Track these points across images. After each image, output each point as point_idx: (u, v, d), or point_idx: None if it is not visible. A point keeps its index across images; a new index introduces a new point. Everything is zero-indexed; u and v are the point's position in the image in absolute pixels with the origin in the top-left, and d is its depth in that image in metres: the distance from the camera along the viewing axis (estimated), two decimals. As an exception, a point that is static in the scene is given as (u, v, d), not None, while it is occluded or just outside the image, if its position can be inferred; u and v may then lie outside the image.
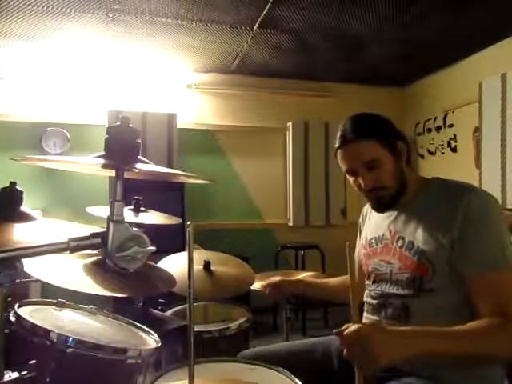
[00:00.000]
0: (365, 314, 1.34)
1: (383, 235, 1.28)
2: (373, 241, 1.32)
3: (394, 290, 1.20)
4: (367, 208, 1.47)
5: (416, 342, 0.95)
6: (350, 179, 1.27)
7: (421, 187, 1.23)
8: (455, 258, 1.08)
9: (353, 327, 0.93)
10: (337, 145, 1.24)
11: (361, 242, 1.44)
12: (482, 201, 1.10)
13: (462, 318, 1.04)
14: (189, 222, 0.79)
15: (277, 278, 1.64)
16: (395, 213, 1.26)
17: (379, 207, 1.26)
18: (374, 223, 1.37)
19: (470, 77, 3.80)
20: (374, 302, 1.28)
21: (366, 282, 1.34)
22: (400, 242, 1.20)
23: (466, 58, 3.90)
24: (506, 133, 3.38)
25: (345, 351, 0.93)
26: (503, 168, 3.39)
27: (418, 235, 1.15)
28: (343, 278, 1.56)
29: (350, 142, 1.19)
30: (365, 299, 1.35)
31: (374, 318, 1.27)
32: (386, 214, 1.30)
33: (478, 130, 3.68)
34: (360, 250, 1.43)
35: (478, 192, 1.14)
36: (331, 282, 1.63)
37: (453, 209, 1.09)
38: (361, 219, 1.50)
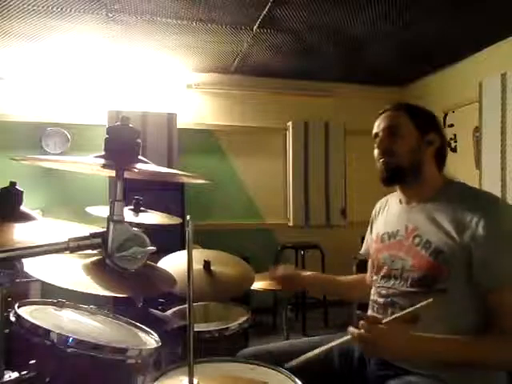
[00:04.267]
0: (369, 313, 1.33)
1: (398, 231, 1.28)
2: (385, 236, 1.32)
3: (403, 288, 1.20)
4: (380, 204, 1.48)
5: (424, 349, 1.03)
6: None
7: (443, 187, 1.23)
8: (475, 267, 1.08)
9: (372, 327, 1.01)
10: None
11: (372, 236, 1.44)
12: (508, 216, 1.12)
13: (469, 325, 1.07)
14: (188, 217, 0.78)
15: (289, 270, 1.60)
16: (413, 210, 1.26)
17: (385, 176, 1.26)
18: (387, 219, 1.37)
19: (470, 77, 3.80)
20: (382, 300, 1.27)
21: (374, 278, 1.33)
22: (417, 240, 1.20)
23: (466, 58, 3.89)
24: (506, 133, 3.37)
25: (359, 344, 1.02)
26: (503, 168, 3.39)
27: (437, 236, 1.15)
28: (361, 276, 1.57)
29: (386, 111, 1.29)
30: (371, 298, 1.34)
31: (381, 317, 1.26)
32: (402, 211, 1.30)
33: (478, 129, 3.68)
34: (371, 245, 1.43)
35: (505, 206, 1.17)
36: (345, 279, 1.62)
37: (478, 218, 1.08)
38: (373, 214, 1.50)
